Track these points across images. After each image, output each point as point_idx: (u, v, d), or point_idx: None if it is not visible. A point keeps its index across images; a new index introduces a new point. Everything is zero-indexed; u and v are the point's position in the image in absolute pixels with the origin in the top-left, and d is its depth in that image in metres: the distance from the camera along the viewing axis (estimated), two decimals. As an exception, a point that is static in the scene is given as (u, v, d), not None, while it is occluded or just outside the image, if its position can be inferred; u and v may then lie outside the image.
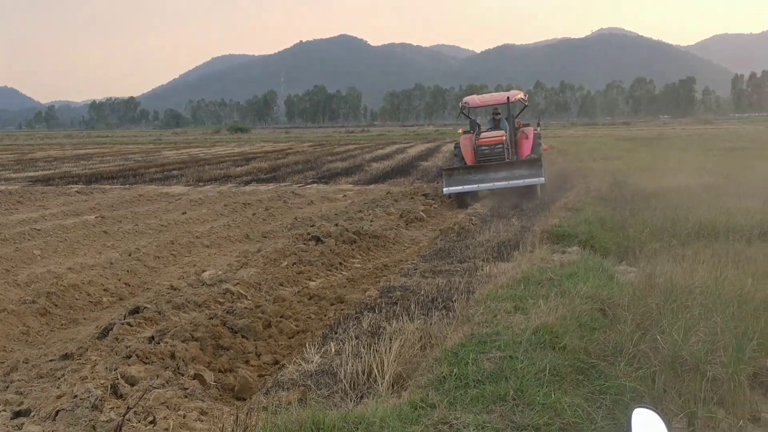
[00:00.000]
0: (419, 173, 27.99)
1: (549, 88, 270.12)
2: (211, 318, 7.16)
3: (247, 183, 25.41)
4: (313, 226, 13.90)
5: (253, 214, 16.73)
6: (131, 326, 7.07)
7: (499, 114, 19.31)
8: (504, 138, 17.81)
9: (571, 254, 9.77)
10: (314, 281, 9.87)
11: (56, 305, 8.75)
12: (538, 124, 19.85)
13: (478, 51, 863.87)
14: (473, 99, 19.95)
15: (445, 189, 17.27)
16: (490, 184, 16.94)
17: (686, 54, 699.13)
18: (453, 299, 7.46)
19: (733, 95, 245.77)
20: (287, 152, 47.33)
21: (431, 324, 6.48)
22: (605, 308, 6.51)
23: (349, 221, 14.26)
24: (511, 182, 16.62)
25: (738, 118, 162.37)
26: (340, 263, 11.04)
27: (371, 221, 14.33)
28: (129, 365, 5.73)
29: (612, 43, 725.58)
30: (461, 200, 17.52)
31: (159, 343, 6.25)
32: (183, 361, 6.02)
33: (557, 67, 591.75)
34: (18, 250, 12.02)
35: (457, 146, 19.17)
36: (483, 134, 18.39)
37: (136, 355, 5.88)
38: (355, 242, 12.20)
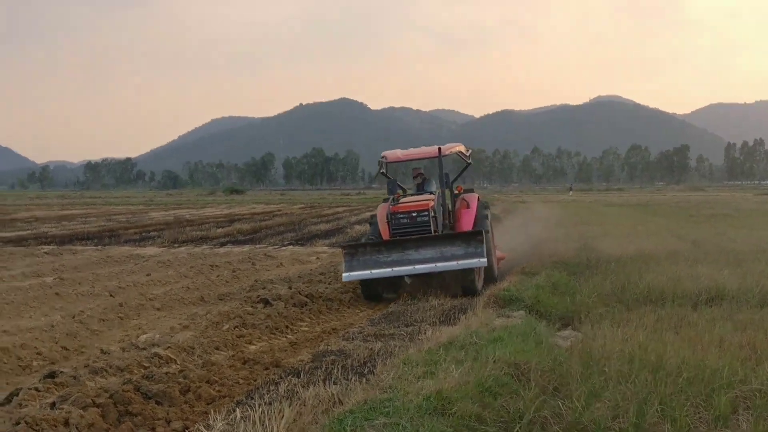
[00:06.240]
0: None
1: (546, 154, 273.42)
2: (125, 383, 6.96)
3: (223, 244, 25.25)
4: (264, 288, 13.74)
5: (217, 276, 16.56)
6: (38, 391, 6.85)
7: (423, 176, 15.25)
8: (431, 204, 13.22)
9: (515, 318, 9.69)
10: (255, 345, 9.69)
11: (-19, 369, 8.54)
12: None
13: (477, 116, 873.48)
14: (394, 153, 15.08)
15: (344, 275, 12.48)
16: (409, 267, 12.22)
17: (682, 122, 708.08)
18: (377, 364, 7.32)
19: (726, 163, 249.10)
20: (275, 214, 47.32)
21: (347, 388, 6.34)
22: (518, 373, 6.35)
23: (307, 284, 14.12)
24: (438, 265, 12.11)
25: (730, 186, 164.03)
26: (287, 326, 10.85)
27: (329, 284, 14.19)
28: (15, 434, 5.52)
29: (609, 111, 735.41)
30: (369, 289, 12.82)
31: (55, 410, 6.05)
32: (77, 428, 5.80)
33: (555, 133, 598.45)
34: (-37, 312, 11.84)
35: (373, 217, 14.57)
36: (403, 199, 14.05)
37: (26, 422, 5.66)
38: (305, 305, 12.03)
